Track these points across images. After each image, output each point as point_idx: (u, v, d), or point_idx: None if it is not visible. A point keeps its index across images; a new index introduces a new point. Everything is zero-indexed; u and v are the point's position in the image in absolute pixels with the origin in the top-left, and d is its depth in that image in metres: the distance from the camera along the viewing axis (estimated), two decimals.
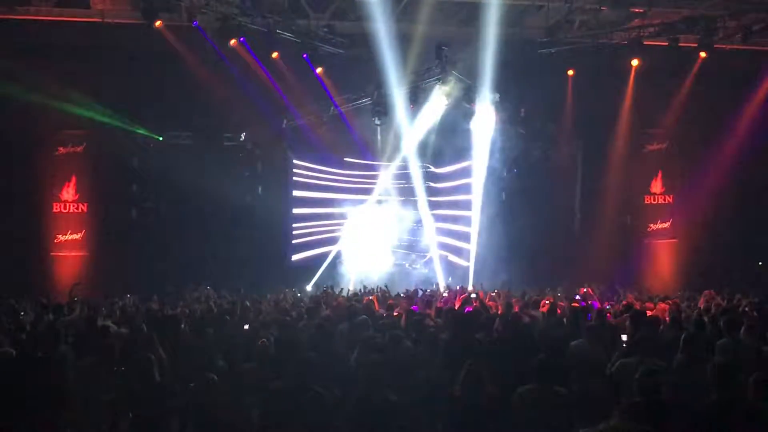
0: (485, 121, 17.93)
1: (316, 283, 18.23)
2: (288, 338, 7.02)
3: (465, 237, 19.64)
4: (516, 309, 10.23)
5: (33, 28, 15.97)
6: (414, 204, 19.79)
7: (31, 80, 15.41)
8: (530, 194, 19.10)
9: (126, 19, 16.16)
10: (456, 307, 10.52)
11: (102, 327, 7.82)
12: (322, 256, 19.36)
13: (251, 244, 17.99)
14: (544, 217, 18.96)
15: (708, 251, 18.50)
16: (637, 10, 16.96)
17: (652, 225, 20.33)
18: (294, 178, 19.84)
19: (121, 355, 6.81)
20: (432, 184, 19.91)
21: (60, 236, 17.77)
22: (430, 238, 19.77)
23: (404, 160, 19.18)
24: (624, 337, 7.67)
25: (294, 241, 19.67)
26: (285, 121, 18.59)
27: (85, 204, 18.00)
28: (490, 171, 18.70)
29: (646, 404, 4.69)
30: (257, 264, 17.56)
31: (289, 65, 17.66)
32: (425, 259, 20.03)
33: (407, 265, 19.94)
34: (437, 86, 17.18)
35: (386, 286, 15.10)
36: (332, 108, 18.47)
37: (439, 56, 16.65)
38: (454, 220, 20.04)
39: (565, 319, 9.03)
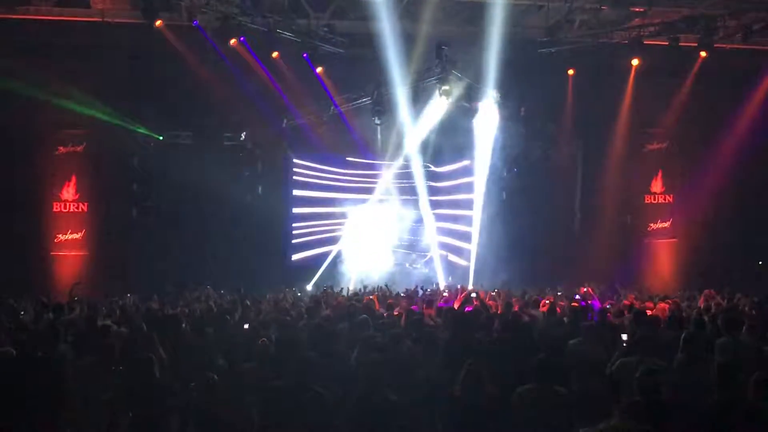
0: (487, 120, 17.94)
1: (316, 283, 18.23)
2: (288, 338, 7.01)
3: (465, 236, 19.65)
4: (516, 308, 10.23)
5: (33, 28, 15.96)
6: (414, 203, 19.81)
7: (31, 80, 15.44)
8: (530, 194, 19.11)
9: (126, 18, 16.15)
10: (456, 307, 10.52)
11: (102, 326, 7.81)
12: (323, 256, 19.37)
13: (251, 244, 17.99)
14: (544, 216, 18.98)
15: (708, 251, 18.51)
16: (637, 10, 16.95)
17: (652, 224, 20.34)
18: (294, 178, 19.85)
19: (121, 355, 6.81)
20: (432, 183, 19.92)
21: (60, 236, 17.78)
22: (431, 237, 19.77)
23: (405, 159, 19.21)
24: (624, 337, 7.66)
25: (294, 241, 19.69)
26: (285, 121, 18.61)
27: (86, 203, 18.01)
28: (491, 170, 18.72)
29: (646, 404, 4.69)
30: (257, 263, 17.56)
31: (290, 65, 17.67)
32: (425, 259, 20.03)
33: (407, 264, 19.94)
34: (437, 85, 17.16)
35: (387, 286, 15.11)
36: (332, 107, 18.47)
37: (440, 56, 16.64)
38: (454, 219, 20.05)
39: (565, 319, 9.03)
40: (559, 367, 5.89)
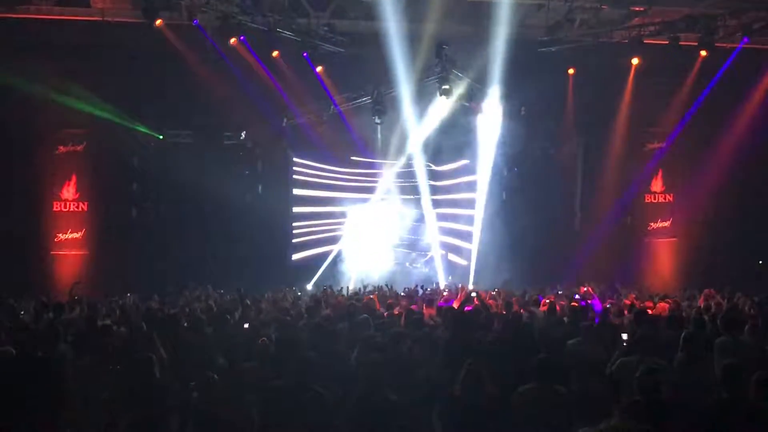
0: (489, 119, 17.94)
1: (316, 283, 18.22)
2: (288, 337, 7.01)
3: (464, 236, 19.64)
4: (516, 308, 10.23)
5: (33, 27, 15.95)
6: (414, 202, 19.81)
7: (31, 79, 15.44)
8: (530, 193, 19.13)
9: (126, 17, 16.13)
10: (456, 306, 10.51)
11: (102, 326, 7.81)
12: (323, 255, 19.36)
13: (251, 243, 17.98)
14: (544, 215, 18.96)
15: (708, 250, 18.52)
16: (637, 9, 16.94)
17: (652, 224, 20.34)
18: (294, 177, 19.84)
19: (121, 355, 6.80)
20: (431, 183, 19.91)
21: (60, 235, 17.78)
22: (432, 236, 19.77)
23: (405, 158, 19.20)
24: (624, 336, 7.66)
25: (294, 240, 19.67)
26: (285, 120, 18.60)
27: (86, 203, 18.02)
28: (492, 169, 18.71)
29: (646, 403, 4.69)
30: (257, 263, 17.55)
31: (290, 64, 17.66)
32: (426, 259, 20.03)
33: (407, 264, 19.94)
34: (438, 85, 17.15)
35: (387, 285, 15.09)
36: (332, 107, 18.47)
37: (440, 55, 16.64)
38: (454, 218, 20.04)
39: (565, 318, 9.03)
40: (559, 367, 5.89)
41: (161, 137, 18.36)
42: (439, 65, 16.87)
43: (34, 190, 17.52)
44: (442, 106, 17.64)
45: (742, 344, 6.73)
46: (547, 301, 11.36)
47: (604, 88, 18.30)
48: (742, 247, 18.38)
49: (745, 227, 18.54)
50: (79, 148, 17.95)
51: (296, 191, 19.82)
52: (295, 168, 19.84)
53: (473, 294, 11.27)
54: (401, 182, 19.90)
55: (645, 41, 17.06)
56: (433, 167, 19.94)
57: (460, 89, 17.43)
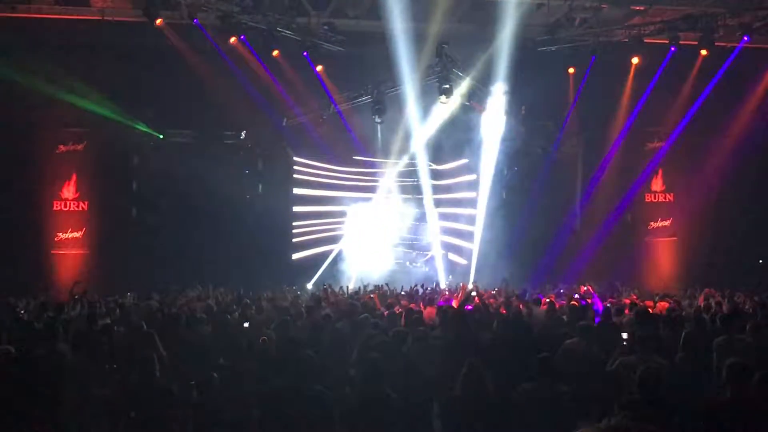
0: (491, 118, 17.93)
1: (316, 282, 18.20)
2: (288, 336, 7.01)
3: (465, 235, 19.63)
4: (516, 307, 10.23)
5: (33, 26, 15.94)
6: (415, 201, 19.80)
7: (31, 78, 15.43)
8: (530, 192, 19.10)
9: (126, 17, 16.13)
10: (455, 305, 10.51)
11: (102, 326, 7.82)
12: (323, 255, 19.34)
13: (252, 242, 17.97)
14: (544, 215, 18.95)
15: (708, 249, 18.49)
16: (637, 8, 16.93)
17: (652, 223, 20.34)
18: (294, 176, 19.82)
19: (121, 354, 6.81)
20: (432, 182, 19.88)
21: (60, 234, 17.78)
22: (434, 235, 19.77)
23: (405, 157, 19.19)
24: (624, 335, 7.66)
25: (294, 240, 19.65)
26: (285, 119, 18.58)
27: (86, 202, 18.02)
28: (493, 168, 18.72)
29: (646, 402, 4.69)
30: (258, 262, 17.54)
31: (290, 63, 17.65)
32: (426, 258, 20.02)
33: (408, 263, 19.93)
34: (438, 84, 17.14)
35: (386, 285, 15.08)
36: (332, 106, 18.46)
37: (440, 54, 16.64)
38: (454, 217, 20.03)
39: (564, 317, 9.03)
40: (561, 366, 5.89)
41: (161, 136, 18.36)
42: (440, 64, 16.87)
43: (34, 189, 17.51)
44: (444, 105, 17.59)
45: (742, 344, 6.73)
46: (547, 300, 11.36)
47: (605, 87, 18.28)
48: (742, 246, 18.36)
49: (745, 227, 18.52)
50: (79, 147, 17.96)
51: (296, 190, 19.79)
52: (295, 167, 19.82)
53: (473, 293, 11.28)
54: (401, 181, 19.88)
55: (645, 40, 17.07)
56: (434, 166, 19.93)
57: (460, 88, 17.42)
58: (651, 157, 20.15)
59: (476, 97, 17.99)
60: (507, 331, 7.64)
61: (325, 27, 16.87)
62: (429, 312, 9.98)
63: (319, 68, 17.94)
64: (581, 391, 5.65)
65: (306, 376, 5.12)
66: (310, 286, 17.75)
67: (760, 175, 18.38)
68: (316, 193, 19.72)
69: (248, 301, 11.62)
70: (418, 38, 16.18)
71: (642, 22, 17.15)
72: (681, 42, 16.82)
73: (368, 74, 17.54)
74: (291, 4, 16.60)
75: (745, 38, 17.11)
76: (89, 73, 16.23)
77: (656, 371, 4.95)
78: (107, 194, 18.01)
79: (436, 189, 19.89)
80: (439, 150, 19.26)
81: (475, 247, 18.96)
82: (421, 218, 19.88)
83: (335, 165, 19.82)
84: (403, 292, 13.96)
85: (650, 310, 9.87)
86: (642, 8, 16.86)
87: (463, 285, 14.52)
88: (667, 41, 16.90)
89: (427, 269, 19.74)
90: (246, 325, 8.88)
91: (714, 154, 18.71)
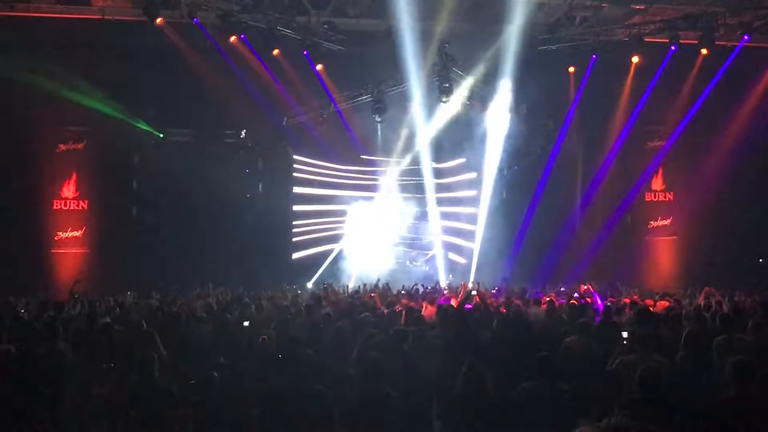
0: (494, 117, 17.93)
1: (316, 281, 18.20)
2: (288, 335, 7.01)
3: (465, 234, 19.63)
4: (516, 305, 10.23)
5: (34, 26, 15.94)
6: (415, 200, 19.80)
7: (32, 78, 15.42)
8: (530, 191, 19.11)
9: (126, 16, 16.13)
10: (455, 305, 10.51)
11: (102, 325, 7.81)
12: (323, 254, 19.34)
13: (252, 241, 17.99)
14: (544, 214, 18.95)
15: (708, 248, 18.49)
16: (637, 7, 16.93)
17: (652, 222, 20.34)
18: (294, 175, 19.82)
19: (122, 353, 6.80)
20: (433, 180, 19.89)
21: (60, 233, 17.79)
22: (435, 234, 19.77)
23: (406, 156, 19.19)
24: (624, 334, 7.65)
25: (294, 239, 19.65)
26: (285, 118, 18.58)
27: (86, 201, 18.03)
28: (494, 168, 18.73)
29: (646, 401, 4.69)
30: (258, 261, 17.55)
31: (290, 62, 17.65)
32: (426, 257, 20.02)
33: (408, 262, 19.93)
34: (438, 83, 17.13)
35: (387, 284, 15.08)
36: (332, 105, 18.46)
37: (440, 53, 16.63)
38: (455, 216, 20.03)
39: (564, 316, 9.03)
40: (561, 365, 5.89)
41: (161, 135, 18.37)
42: (440, 63, 16.86)
43: (34, 188, 17.51)
44: (447, 104, 17.55)
45: (742, 343, 6.72)
46: (548, 299, 11.36)
47: (605, 86, 18.28)
48: (742, 245, 18.35)
49: (745, 226, 18.51)
50: (79, 146, 17.97)
51: (296, 189, 19.79)
52: (295, 166, 19.82)
53: (473, 292, 11.27)
54: (402, 180, 19.88)
55: (645, 39, 17.07)
56: (434, 164, 19.92)
57: (460, 87, 17.41)
58: (651, 156, 20.15)
59: (477, 96, 17.98)
60: (507, 330, 7.64)
61: (326, 26, 16.87)
62: (430, 311, 9.98)
63: (319, 67, 17.94)
64: (581, 390, 5.64)
65: (306, 375, 5.11)
66: (310, 285, 17.75)
67: (759, 175, 18.37)
68: (316, 192, 19.72)
69: (248, 300, 11.61)
70: (422, 37, 16.16)
71: (642, 21, 17.15)
72: (681, 41, 16.82)
73: (368, 73, 17.54)
74: (291, 3, 16.60)
75: (746, 37, 17.12)
76: (89, 72, 16.25)
77: (656, 370, 4.94)
78: (107, 193, 18.02)
79: (437, 187, 19.89)
80: (439, 148, 19.26)
81: (476, 246, 18.96)
82: (422, 217, 19.88)
83: (335, 164, 19.81)
84: (403, 291, 13.96)
85: (650, 308, 9.85)
86: (642, 7, 16.86)
87: (464, 284, 14.52)
88: (667, 40, 16.90)
89: (427, 268, 19.74)
90: (246, 324, 8.88)
91: (714, 153, 18.69)
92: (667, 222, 20.32)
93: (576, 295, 12.49)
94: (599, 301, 11.64)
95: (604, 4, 16.64)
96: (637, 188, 20.10)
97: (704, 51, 17.16)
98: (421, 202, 19.84)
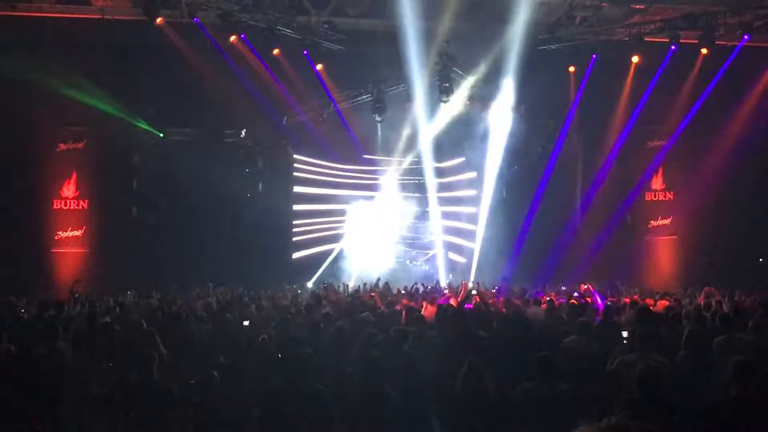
0: (495, 116, 17.92)
1: (317, 281, 18.20)
2: (288, 335, 7.01)
3: (465, 233, 19.63)
4: (516, 305, 10.23)
5: (34, 25, 15.94)
6: (415, 200, 19.81)
7: (32, 77, 15.41)
8: (530, 191, 19.11)
9: (126, 15, 16.13)
10: (455, 304, 10.51)
11: (103, 324, 7.81)
12: (324, 253, 19.34)
13: (252, 241, 17.98)
14: (545, 213, 18.95)
15: (708, 248, 18.49)
16: (637, 7, 16.93)
17: (652, 221, 20.35)
18: (295, 174, 19.82)
19: (122, 353, 6.80)
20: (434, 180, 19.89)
21: (60, 233, 17.79)
22: (435, 234, 19.77)
23: (406, 156, 19.19)
24: (624, 334, 7.65)
25: (295, 239, 19.65)
26: (285, 118, 18.58)
27: (86, 201, 18.03)
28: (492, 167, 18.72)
29: (646, 400, 4.69)
30: (258, 261, 17.55)
31: (290, 62, 17.65)
32: (427, 257, 20.03)
33: (408, 261, 19.93)
34: (438, 83, 17.13)
35: (387, 284, 15.07)
36: (332, 104, 18.46)
37: (441, 53, 16.62)
38: (455, 216, 20.02)
39: (564, 316, 9.03)
40: (560, 365, 5.89)
41: (161, 135, 18.38)
42: (440, 63, 16.85)
43: (34, 188, 17.51)
44: (447, 104, 17.55)
45: (742, 342, 6.72)
46: (548, 299, 11.36)
47: (605, 85, 18.28)
48: (742, 245, 18.35)
49: (745, 225, 18.51)
50: (79, 145, 17.97)
51: (297, 189, 19.79)
52: (295, 165, 19.82)
53: (474, 292, 11.27)
54: (402, 179, 19.89)
55: (645, 39, 17.07)
56: (434, 164, 19.90)
57: (461, 87, 17.40)
58: (651, 155, 20.15)
59: (477, 96, 17.97)
60: (507, 330, 7.63)
61: (326, 25, 16.87)
62: (430, 311, 9.97)
63: (319, 67, 17.94)
64: (581, 389, 5.65)
65: (306, 375, 5.12)
66: (310, 284, 17.75)
67: (760, 175, 18.36)
68: (316, 192, 19.72)
69: (247, 300, 11.62)
70: (422, 36, 16.14)
71: (642, 20, 17.15)
72: (681, 41, 16.82)
73: (368, 73, 17.55)
74: (291, 3, 16.60)
75: (746, 37, 17.12)
76: (89, 72, 16.25)
77: (656, 370, 4.94)
78: (107, 193, 18.02)
79: (437, 187, 19.89)
80: (439, 148, 19.25)
81: (476, 245, 18.96)
82: (422, 216, 19.88)
83: (336, 163, 19.81)
84: (403, 291, 13.96)
85: (651, 308, 9.85)
86: (642, 7, 16.86)
87: (464, 283, 14.53)
88: (667, 40, 16.91)
89: (427, 268, 19.74)
90: (246, 323, 8.88)
91: (714, 153, 18.68)
92: (667, 222, 20.32)
93: (576, 294, 12.49)
94: (599, 301, 11.64)
95: (604, 4, 16.64)
96: (638, 188, 20.10)
97: (704, 51, 17.16)
98: (422, 201, 19.85)
